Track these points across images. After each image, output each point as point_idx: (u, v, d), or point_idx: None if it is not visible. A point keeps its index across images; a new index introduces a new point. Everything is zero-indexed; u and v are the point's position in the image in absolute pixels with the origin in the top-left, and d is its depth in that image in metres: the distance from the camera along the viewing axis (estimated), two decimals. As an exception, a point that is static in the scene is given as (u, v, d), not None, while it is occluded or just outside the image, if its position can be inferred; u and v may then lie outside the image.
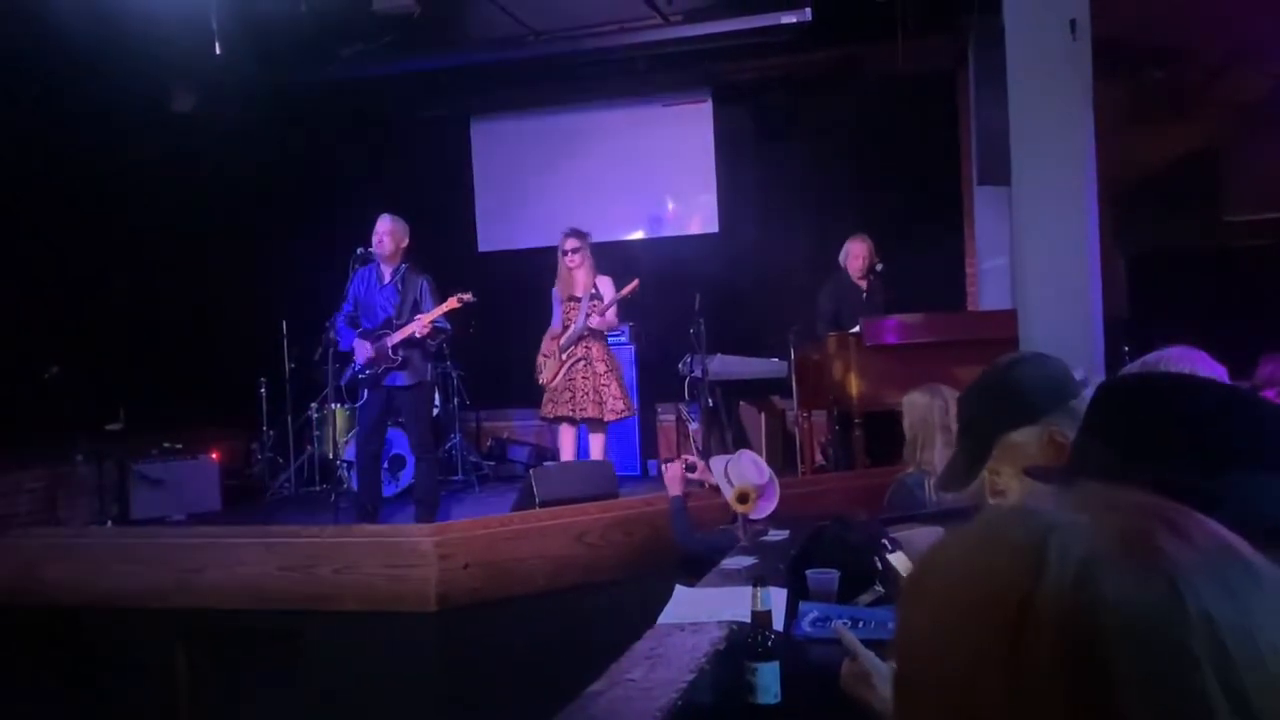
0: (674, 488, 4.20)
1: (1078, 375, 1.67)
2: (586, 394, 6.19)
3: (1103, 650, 0.52)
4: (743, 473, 3.93)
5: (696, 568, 3.31)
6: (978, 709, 0.54)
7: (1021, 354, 1.73)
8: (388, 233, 5.71)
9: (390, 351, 5.62)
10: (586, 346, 6.27)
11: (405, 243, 5.79)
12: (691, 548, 4.02)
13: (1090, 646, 0.52)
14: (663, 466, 4.43)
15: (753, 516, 3.87)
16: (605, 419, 6.25)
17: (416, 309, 5.69)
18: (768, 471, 4.00)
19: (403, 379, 5.67)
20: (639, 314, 7.52)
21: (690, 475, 4.26)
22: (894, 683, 0.62)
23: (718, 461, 4.07)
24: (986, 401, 1.66)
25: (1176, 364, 2.17)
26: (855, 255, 6.53)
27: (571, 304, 6.35)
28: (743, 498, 3.87)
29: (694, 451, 6.62)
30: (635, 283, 6.17)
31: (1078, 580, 0.53)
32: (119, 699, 4.47)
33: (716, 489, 4.02)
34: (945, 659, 0.57)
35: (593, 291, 6.32)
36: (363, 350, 5.67)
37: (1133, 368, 2.27)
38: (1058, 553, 0.55)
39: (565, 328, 6.35)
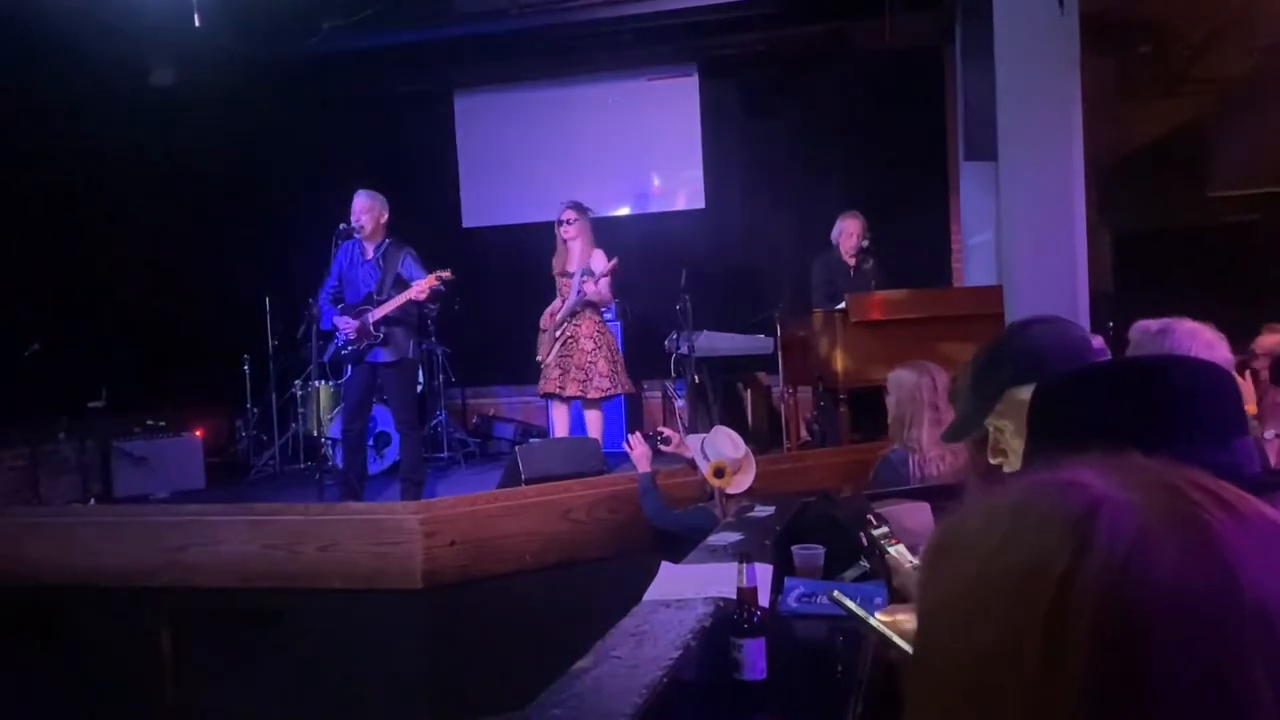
0: (642, 465, 4.17)
1: (1097, 344, 1.65)
2: (567, 371, 6.14)
3: (1147, 635, 0.48)
4: (718, 448, 3.91)
5: (674, 545, 3.30)
6: (1001, 687, 0.51)
7: (1042, 315, 1.71)
8: (365, 210, 5.65)
9: (371, 328, 5.59)
10: (575, 324, 6.19)
11: (385, 217, 5.72)
12: (665, 525, 4.01)
13: (1133, 631, 0.48)
14: (627, 444, 4.35)
15: (730, 491, 3.86)
16: (589, 396, 6.14)
17: (398, 283, 5.65)
18: (743, 446, 3.98)
19: (385, 355, 5.64)
20: (625, 291, 7.50)
21: (665, 449, 4.22)
22: (912, 653, 0.58)
23: (694, 440, 4.05)
24: (999, 356, 1.64)
25: (1185, 337, 2.21)
26: (850, 233, 6.48)
27: (564, 280, 6.24)
28: (719, 472, 3.85)
29: (679, 428, 6.61)
30: (614, 261, 6.12)
31: (1128, 559, 0.50)
32: (102, 678, 4.46)
33: (694, 464, 4.01)
34: (971, 631, 0.53)
35: (586, 267, 6.20)
36: (344, 326, 5.64)
37: (1147, 326, 2.29)
38: (1108, 529, 0.51)
39: (562, 301, 6.29)
